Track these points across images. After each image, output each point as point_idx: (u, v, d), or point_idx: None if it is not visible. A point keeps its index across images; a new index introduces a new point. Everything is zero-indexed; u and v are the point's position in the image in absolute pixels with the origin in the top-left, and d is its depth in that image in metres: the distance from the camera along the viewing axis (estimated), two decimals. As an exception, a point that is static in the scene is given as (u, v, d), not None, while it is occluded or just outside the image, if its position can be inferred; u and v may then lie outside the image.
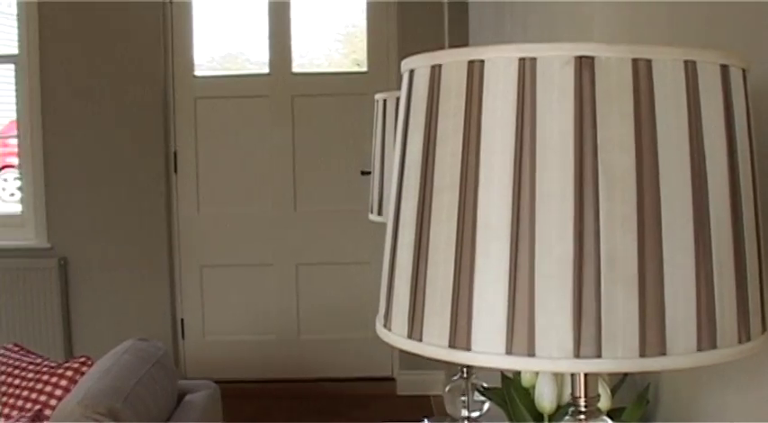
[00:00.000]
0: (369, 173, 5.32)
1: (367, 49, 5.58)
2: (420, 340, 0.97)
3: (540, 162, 0.91)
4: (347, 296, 5.64)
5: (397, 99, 2.18)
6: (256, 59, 5.91)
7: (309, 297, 5.68)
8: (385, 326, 1.05)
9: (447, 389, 2.23)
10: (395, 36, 5.37)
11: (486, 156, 0.92)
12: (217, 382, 3.11)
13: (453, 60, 0.97)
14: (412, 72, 1.04)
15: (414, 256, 0.98)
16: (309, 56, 5.91)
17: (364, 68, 5.69)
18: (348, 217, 5.56)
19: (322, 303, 5.67)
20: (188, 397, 2.87)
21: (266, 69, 5.68)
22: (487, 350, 0.91)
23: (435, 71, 0.99)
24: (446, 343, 0.94)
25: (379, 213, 2.25)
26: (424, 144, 0.99)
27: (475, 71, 0.94)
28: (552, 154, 0.90)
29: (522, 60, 0.92)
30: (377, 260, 5.49)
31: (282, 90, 5.57)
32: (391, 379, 5.60)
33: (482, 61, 0.94)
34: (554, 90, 0.91)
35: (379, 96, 2.26)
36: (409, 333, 0.99)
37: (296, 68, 5.68)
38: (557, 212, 0.90)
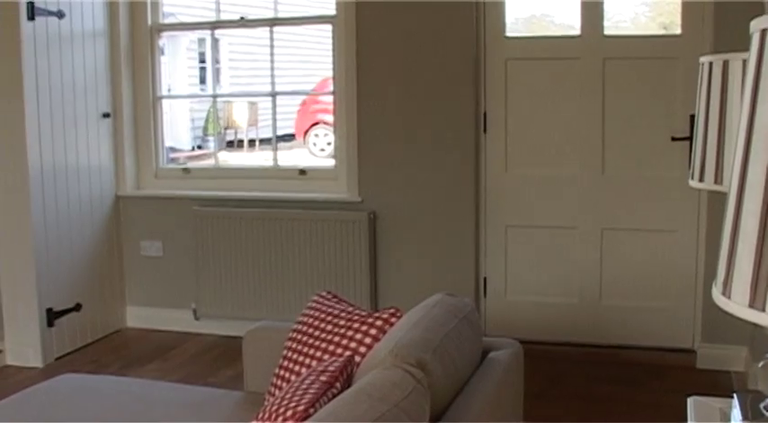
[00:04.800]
0: (680, 139, 5.23)
1: (681, 13, 5.37)
2: (763, 310, 0.94)
3: None
4: (651, 264, 5.51)
5: (724, 62, 2.10)
6: (561, 21, 5.86)
7: (613, 263, 5.59)
8: (723, 293, 1.02)
9: (760, 364, 2.14)
10: (711, 2, 5.12)
11: None
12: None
13: (812, 21, 0.93)
14: (764, 32, 1.00)
15: (760, 224, 0.95)
16: (615, 19, 5.79)
17: (674, 32, 5.49)
18: (657, 183, 5.43)
19: (625, 270, 5.57)
20: (492, 354, 2.90)
21: (573, 31, 5.59)
22: (837, 325, 0.88)
23: (791, 32, 0.95)
24: (791, 314, 0.91)
25: (701, 180, 2.17)
26: (775, 108, 0.95)
27: (836, 32, 0.90)
28: None
29: None
30: (684, 228, 5.37)
31: (593, 53, 5.46)
32: (691, 351, 5.43)
33: None
34: None
35: (704, 59, 2.18)
36: (751, 302, 0.96)
37: (605, 31, 5.55)
38: None
